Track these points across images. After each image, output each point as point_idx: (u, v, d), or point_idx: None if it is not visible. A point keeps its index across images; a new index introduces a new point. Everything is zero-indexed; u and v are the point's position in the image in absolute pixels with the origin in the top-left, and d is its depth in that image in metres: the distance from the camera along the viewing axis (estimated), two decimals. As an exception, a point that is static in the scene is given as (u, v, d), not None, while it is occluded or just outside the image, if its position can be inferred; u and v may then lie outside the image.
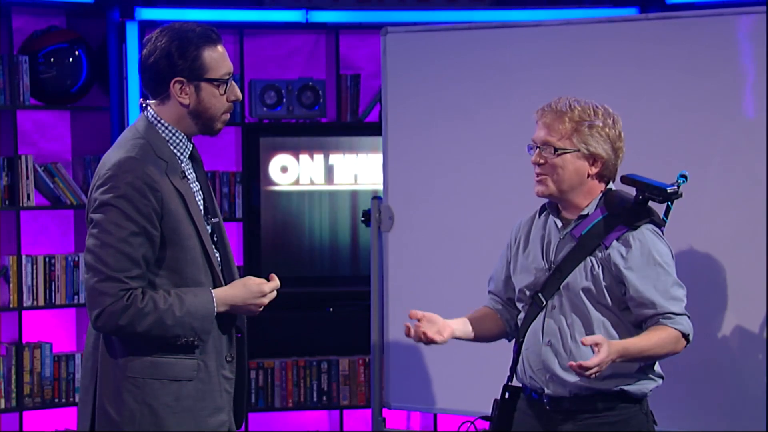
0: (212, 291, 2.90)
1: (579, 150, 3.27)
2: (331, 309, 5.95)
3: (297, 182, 5.97)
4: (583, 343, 3.17)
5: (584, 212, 3.31)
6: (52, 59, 5.66)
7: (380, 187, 4.78)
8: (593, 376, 3.12)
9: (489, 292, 3.56)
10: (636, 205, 3.31)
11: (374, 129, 5.12)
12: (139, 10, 5.79)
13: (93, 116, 5.87)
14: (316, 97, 5.93)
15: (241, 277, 3.02)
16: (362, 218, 4.82)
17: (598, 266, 3.26)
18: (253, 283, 2.96)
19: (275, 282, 2.99)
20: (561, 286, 3.29)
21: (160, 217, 2.83)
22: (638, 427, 3.31)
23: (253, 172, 5.91)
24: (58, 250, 5.82)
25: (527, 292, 3.36)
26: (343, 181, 5.99)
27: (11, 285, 5.58)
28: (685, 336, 3.26)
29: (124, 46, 5.76)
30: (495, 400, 3.44)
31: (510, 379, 3.43)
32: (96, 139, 5.80)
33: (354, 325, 5.65)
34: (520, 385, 3.41)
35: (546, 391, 3.30)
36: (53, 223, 5.91)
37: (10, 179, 5.57)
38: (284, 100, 5.91)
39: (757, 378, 4.11)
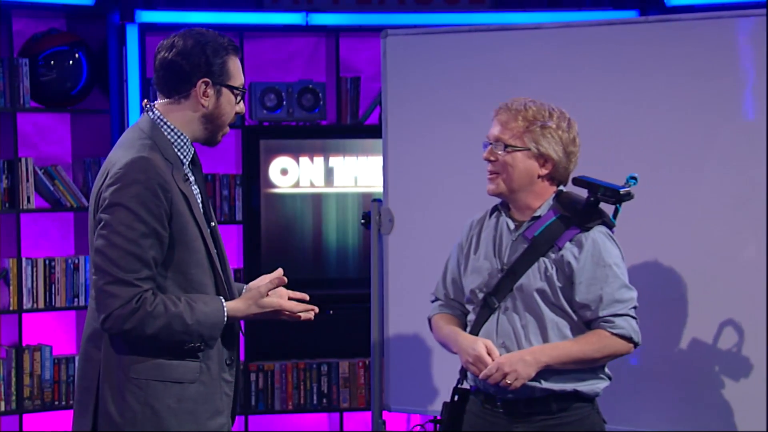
0: (224, 303, 2.90)
1: (529, 149, 3.31)
2: (331, 311, 5.94)
3: (297, 185, 5.98)
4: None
5: (537, 213, 3.34)
6: (52, 62, 5.67)
7: (380, 189, 4.78)
8: (510, 384, 3.22)
9: (443, 297, 3.52)
10: (587, 207, 3.33)
11: (374, 131, 5.12)
12: (139, 12, 5.80)
13: (93, 119, 5.87)
14: (316, 100, 5.94)
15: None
16: (362, 221, 4.81)
17: (552, 267, 3.29)
18: (267, 302, 2.97)
19: (296, 305, 3.02)
20: (514, 288, 3.31)
21: (169, 218, 2.83)
22: (592, 427, 3.35)
23: (253, 174, 5.92)
24: (58, 253, 5.82)
25: (479, 294, 3.37)
26: (343, 184, 6.00)
27: (11, 287, 5.58)
28: (628, 338, 3.29)
29: (124, 49, 5.77)
30: (444, 403, 3.46)
31: (460, 381, 3.44)
32: (96, 141, 5.80)
33: (354, 328, 5.65)
34: (469, 387, 3.42)
35: (501, 393, 3.31)
36: (53, 225, 5.91)
37: (10, 182, 5.57)
38: (284, 102, 5.91)
39: (758, 379, 4.11)
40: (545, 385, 3.27)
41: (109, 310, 2.78)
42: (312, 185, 5.99)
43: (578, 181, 3.39)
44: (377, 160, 5.41)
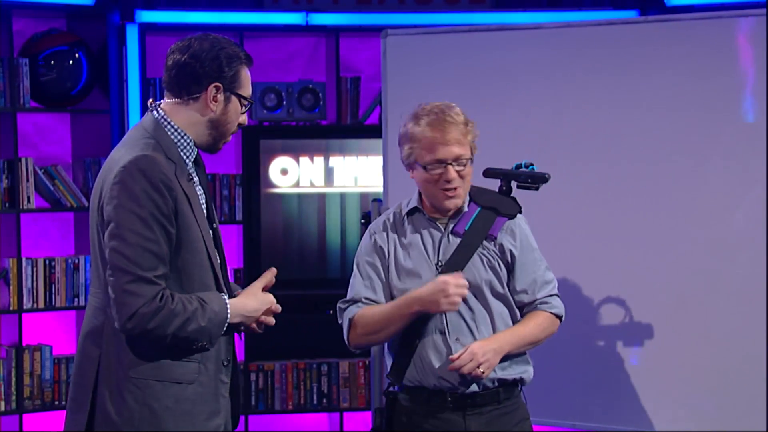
0: (226, 299, 2.90)
1: (473, 152, 3.34)
2: (331, 311, 5.92)
3: (297, 185, 5.98)
4: (451, 359, 3.22)
5: (464, 209, 3.38)
6: (52, 62, 5.67)
7: (380, 189, 4.78)
8: (482, 373, 3.21)
9: (365, 299, 3.38)
10: (503, 196, 3.42)
11: (374, 131, 5.12)
12: (139, 12, 5.80)
13: (93, 119, 5.87)
14: (316, 100, 5.94)
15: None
16: (362, 220, 4.82)
17: (494, 258, 3.34)
18: (264, 296, 2.98)
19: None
20: None
21: (175, 216, 2.83)
22: (524, 413, 3.41)
23: (254, 174, 5.92)
24: (58, 253, 5.82)
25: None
26: (343, 184, 6.00)
27: (11, 287, 5.58)
28: (559, 317, 3.41)
29: (125, 49, 5.77)
30: (377, 409, 3.41)
31: (391, 384, 3.39)
32: (96, 141, 5.81)
33: (354, 328, 5.64)
34: (395, 388, 3.38)
35: (458, 389, 3.30)
36: (53, 225, 5.91)
37: (10, 182, 5.58)
38: (284, 102, 5.91)
39: (758, 378, 4.11)
40: (499, 374, 3.31)
41: (134, 309, 2.75)
42: (312, 185, 5.99)
43: (491, 173, 3.48)
44: (377, 160, 5.41)
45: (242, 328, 2.99)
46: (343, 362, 5.97)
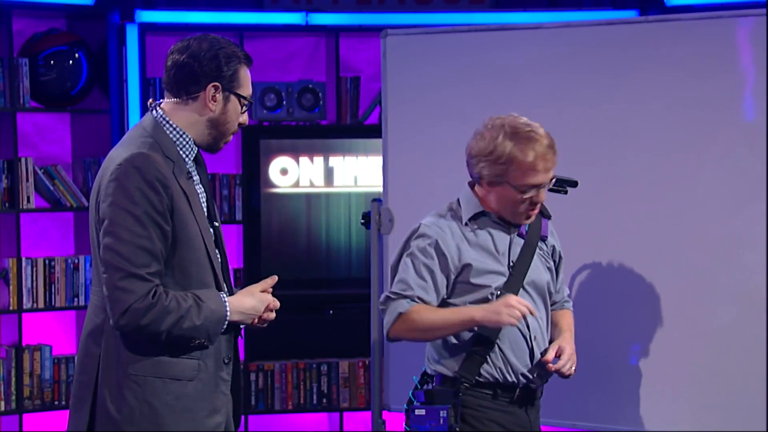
0: (224, 297, 2.91)
1: None
2: (331, 311, 5.95)
3: (297, 184, 5.98)
4: (546, 361, 3.37)
5: None
6: (52, 62, 5.67)
7: (380, 189, 4.78)
8: (572, 371, 3.40)
9: (417, 297, 3.39)
10: None
11: (374, 131, 5.12)
12: (139, 12, 5.81)
13: (93, 119, 5.87)
14: (316, 100, 5.94)
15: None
16: (362, 221, 4.81)
17: (549, 259, 3.49)
18: (263, 295, 2.98)
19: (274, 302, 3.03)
20: (525, 284, 3.40)
21: (171, 214, 2.84)
22: None
23: (253, 174, 5.92)
24: (58, 253, 5.82)
25: (490, 295, 3.39)
26: (342, 184, 6.00)
27: (11, 287, 5.58)
28: None
29: (124, 49, 5.77)
30: (450, 407, 3.39)
31: (424, 382, 3.47)
32: (96, 141, 5.81)
33: (354, 328, 5.65)
34: (433, 382, 3.47)
35: (535, 383, 3.43)
36: (53, 225, 5.91)
37: (10, 181, 5.58)
38: (284, 102, 5.91)
39: (757, 378, 4.11)
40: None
41: (126, 305, 2.77)
42: (312, 185, 5.99)
43: None
44: (377, 160, 5.41)
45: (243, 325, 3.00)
46: (343, 362, 5.97)
